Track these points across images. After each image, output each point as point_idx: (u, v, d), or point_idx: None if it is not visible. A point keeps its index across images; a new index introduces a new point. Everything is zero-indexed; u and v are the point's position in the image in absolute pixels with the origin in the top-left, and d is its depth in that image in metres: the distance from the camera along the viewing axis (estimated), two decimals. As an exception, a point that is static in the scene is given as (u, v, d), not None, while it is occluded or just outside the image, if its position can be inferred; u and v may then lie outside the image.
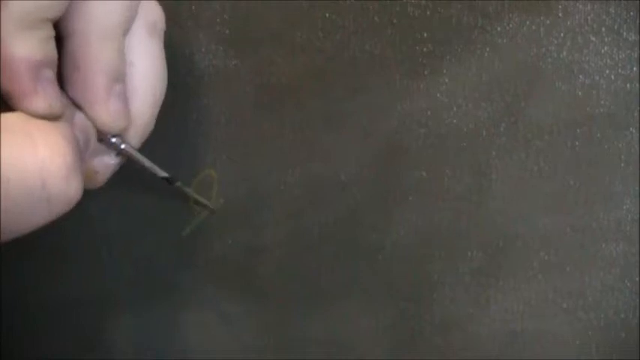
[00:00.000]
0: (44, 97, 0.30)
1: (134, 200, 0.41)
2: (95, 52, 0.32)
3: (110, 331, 0.42)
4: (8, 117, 0.29)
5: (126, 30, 0.33)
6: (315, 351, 0.41)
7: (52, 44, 0.30)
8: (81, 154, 0.32)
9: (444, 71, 0.38)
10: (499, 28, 0.37)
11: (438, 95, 0.38)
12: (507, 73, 0.38)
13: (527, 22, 0.37)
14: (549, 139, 0.38)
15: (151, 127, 0.36)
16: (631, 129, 0.37)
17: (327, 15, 0.38)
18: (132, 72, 0.34)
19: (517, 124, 0.38)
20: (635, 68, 0.37)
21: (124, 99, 0.34)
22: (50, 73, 0.30)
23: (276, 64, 0.39)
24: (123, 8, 0.33)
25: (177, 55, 0.40)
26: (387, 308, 0.41)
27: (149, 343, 0.42)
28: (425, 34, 0.38)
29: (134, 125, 0.35)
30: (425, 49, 0.38)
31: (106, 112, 0.33)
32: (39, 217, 0.29)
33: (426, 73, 0.38)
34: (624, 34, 0.37)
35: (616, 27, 0.37)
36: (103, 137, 0.34)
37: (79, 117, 0.33)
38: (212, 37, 0.39)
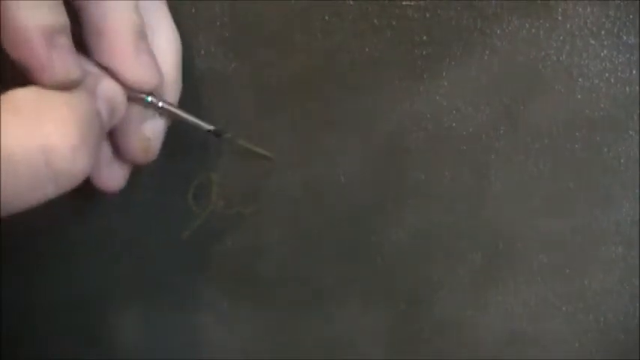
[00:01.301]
0: (61, 65, 0.29)
1: (134, 200, 0.41)
2: (114, 13, 0.32)
3: (110, 331, 0.42)
4: (20, 93, 0.29)
5: None
6: (315, 351, 0.42)
7: (62, 9, 0.30)
8: (101, 126, 0.31)
9: (444, 74, 0.38)
10: (498, 31, 0.37)
11: (438, 97, 0.38)
12: (507, 76, 0.37)
13: (527, 25, 0.37)
14: (549, 141, 0.38)
15: (180, 86, 0.36)
16: (630, 132, 0.37)
17: (327, 17, 0.38)
18: (151, 33, 0.34)
19: (516, 126, 0.38)
20: (634, 71, 0.37)
21: (152, 54, 0.34)
22: (65, 40, 0.30)
23: (275, 65, 0.39)
24: None
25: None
26: (387, 308, 0.41)
27: (149, 343, 0.43)
28: (424, 37, 0.38)
29: (165, 83, 0.35)
30: (424, 52, 0.38)
31: (138, 68, 0.33)
32: (45, 191, 0.29)
33: (425, 75, 0.38)
34: (624, 37, 0.36)
35: (615, 30, 0.36)
36: (138, 98, 0.34)
37: (103, 86, 0.32)
38: (211, 39, 0.39)
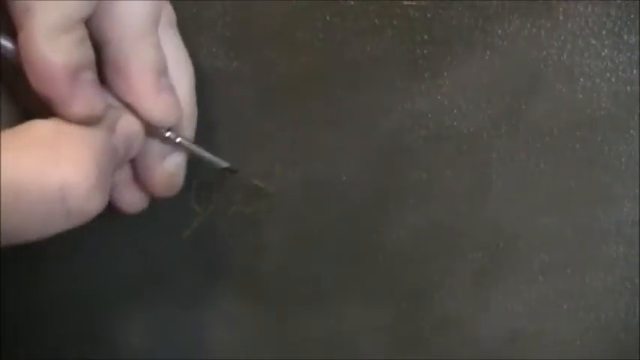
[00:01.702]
0: (84, 100, 0.29)
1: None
2: (136, 53, 0.32)
3: (111, 330, 0.42)
4: (39, 126, 0.29)
5: (158, 23, 0.33)
6: (315, 351, 0.42)
7: (88, 45, 0.30)
8: (117, 163, 0.32)
9: (445, 73, 0.38)
10: (499, 31, 0.37)
11: (439, 97, 0.38)
12: (508, 75, 0.37)
13: (528, 25, 0.37)
14: (550, 140, 0.38)
15: (196, 114, 0.36)
16: (631, 131, 0.37)
17: (328, 16, 0.38)
18: (169, 64, 0.34)
19: (517, 125, 0.38)
20: (635, 71, 0.37)
21: (172, 90, 0.34)
22: (89, 75, 0.30)
23: (277, 65, 0.39)
24: (153, 4, 0.32)
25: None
26: (387, 308, 0.41)
27: (150, 342, 0.42)
28: (425, 36, 0.38)
29: (184, 115, 0.35)
30: (425, 51, 0.38)
31: (159, 106, 0.33)
32: (56, 226, 0.29)
33: (426, 74, 0.38)
34: (625, 36, 0.36)
35: (616, 29, 0.36)
36: (158, 134, 0.34)
37: (123, 122, 0.32)
38: (213, 38, 0.39)
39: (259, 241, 0.41)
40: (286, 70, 0.39)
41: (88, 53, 0.30)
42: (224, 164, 0.38)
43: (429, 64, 0.38)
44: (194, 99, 0.36)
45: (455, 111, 0.38)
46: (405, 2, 0.37)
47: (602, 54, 0.37)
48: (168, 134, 0.34)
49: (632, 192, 0.38)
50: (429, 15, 0.38)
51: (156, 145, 0.35)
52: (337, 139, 0.39)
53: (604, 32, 0.37)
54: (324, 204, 0.40)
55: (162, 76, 0.33)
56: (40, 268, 0.42)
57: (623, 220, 0.38)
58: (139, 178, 0.36)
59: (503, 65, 0.37)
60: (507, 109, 0.38)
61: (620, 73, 0.37)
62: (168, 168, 0.36)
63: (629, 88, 0.37)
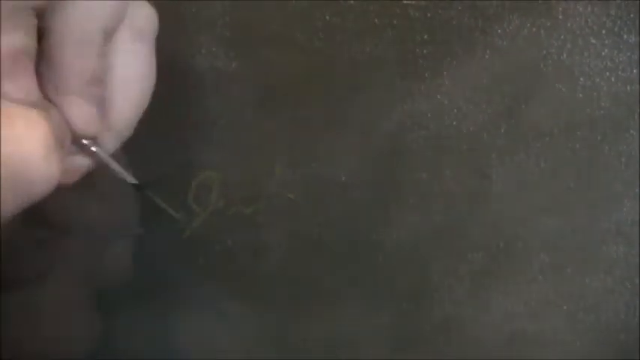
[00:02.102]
0: (22, 85, 0.30)
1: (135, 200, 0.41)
2: (70, 54, 0.31)
3: (110, 330, 0.42)
4: None
5: (109, 35, 0.32)
6: (315, 351, 0.42)
7: (34, 34, 0.30)
8: (62, 140, 0.31)
9: (445, 73, 0.38)
10: (499, 30, 0.37)
11: (439, 97, 0.38)
12: (508, 75, 0.37)
13: (528, 25, 0.37)
14: (549, 140, 0.38)
15: (129, 133, 0.35)
16: (631, 131, 0.37)
17: (328, 17, 0.38)
18: (112, 77, 0.34)
19: (517, 125, 0.38)
20: (635, 70, 0.37)
21: (100, 103, 0.33)
22: (29, 63, 0.30)
23: (276, 65, 0.39)
24: (105, 13, 0.32)
25: (177, 57, 0.40)
26: (387, 308, 0.41)
27: (149, 343, 0.42)
28: (425, 36, 0.38)
29: (111, 130, 0.34)
30: (425, 51, 0.38)
31: (78, 115, 0.32)
32: (18, 198, 0.28)
33: (426, 74, 0.38)
34: (624, 36, 0.36)
35: (616, 29, 0.36)
36: (75, 138, 0.33)
37: (55, 113, 0.32)
38: (212, 38, 0.39)
39: (259, 241, 0.41)
40: (286, 69, 0.39)
41: (33, 42, 0.30)
42: (132, 181, 0.37)
43: (429, 64, 0.38)
44: (133, 119, 0.35)
45: (455, 111, 0.38)
46: (405, 2, 0.37)
47: (602, 53, 0.37)
48: (85, 142, 0.34)
49: (631, 191, 0.38)
50: (428, 15, 0.38)
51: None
52: (337, 139, 0.39)
53: (604, 32, 0.37)
54: (324, 204, 0.40)
55: (92, 86, 0.32)
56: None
57: (622, 220, 0.38)
58: None
59: (503, 65, 0.37)
60: (507, 109, 0.38)
61: (619, 72, 0.37)
62: (68, 165, 0.34)
63: (628, 87, 0.37)
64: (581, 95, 0.37)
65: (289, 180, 0.40)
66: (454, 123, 0.38)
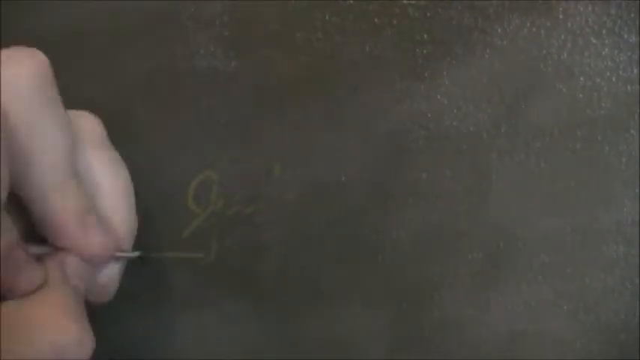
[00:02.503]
0: (26, 278, 0.30)
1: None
2: (53, 205, 0.32)
3: (110, 330, 0.42)
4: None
5: (72, 163, 0.33)
6: (315, 351, 0.41)
7: (10, 225, 0.30)
8: (83, 298, 0.33)
9: (444, 73, 0.38)
10: (499, 30, 0.37)
11: (438, 97, 0.38)
12: (508, 75, 0.37)
13: (528, 24, 0.37)
14: (550, 140, 0.38)
15: (136, 224, 0.37)
16: (631, 131, 0.37)
17: (327, 16, 0.38)
18: (99, 190, 0.35)
19: (517, 125, 0.38)
20: (635, 70, 0.37)
21: (102, 223, 0.34)
22: (21, 254, 0.30)
23: (276, 65, 0.39)
24: (61, 153, 0.32)
25: (176, 57, 0.40)
26: (387, 308, 0.41)
27: (149, 342, 0.42)
28: (425, 36, 0.38)
29: (122, 234, 0.36)
30: (425, 51, 0.38)
31: (90, 246, 0.33)
32: None
33: (426, 74, 0.38)
34: (625, 35, 0.36)
35: (617, 29, 0.36)
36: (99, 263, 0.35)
37: (71, 265, 0.33)
38: (212, 38, 0.39)
39: (259, 241, 0.41)
40: (285, 69, 0.39)
41: (15, 235, 0.30)
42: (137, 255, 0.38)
43: (429, 63, 0.38)
44: (134, 213, 0.37)
45: (454, 110, 0.38)
46: (405, 1, 0.37)
47: (603, 53, 0.37)
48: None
49: (632, 192, 0.37)
50: (428, 14, 0.37)
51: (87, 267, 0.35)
52: (337, 139, 0.39)
53: (604, 31, 0.37)
54: (324, 204, 0.40)
55: (87, 214, 0.33)
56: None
57: (623, 220, 0.38)
58: None
59: (502, 65, 0.37)
60: (507, 109, 0.38)
61: (620, 72, 0.37)
62: (101, 281, 0.36)
63: (629, 87, 0.37)
64: (581, 95, 0.37)
65: (289, 180, 0.40)
66: (454, 123, 0.38)
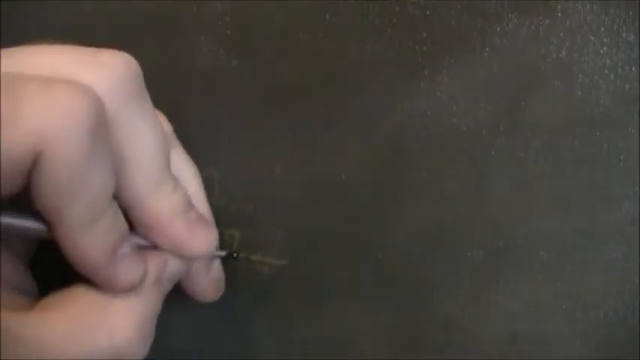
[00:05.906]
0: (124, 275, 0.30)
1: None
2: (159, 206, 0.32)
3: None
4: (83, 294, 0.30)
5: (169, 157, 0.33)
6: (315, 351, 0.41)
7: (120, 218, 0.30)
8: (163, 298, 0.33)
9: (444, 71, 0.38)
10: (498, 29, 0.37)
11: (438, 95, 0.38)
12: (507, 74, 0.38)
13: (527, 23, 0.37)
14: (549, 139, 0.38)
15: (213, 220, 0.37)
16: (630, 129, 0.37)
17: (328, 16, 0.38)
18: (185, 183, 0.35)
19: (516, 124, 0.38)
20: (634, 68, 0.37)
21: (202, 218, 0.34)
22: (126, 247, 0.30)
23: (277, 65, 0.39)
24: (161, 153, 0.32)
25: (178, 57, 0.40)
26: (387, 308, 0.41)
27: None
28: (425, 35, 0.38)
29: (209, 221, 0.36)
30: (425, 50, 0.38)
31: (198, 244, 0.33)
32: None
33: (425, 73, 0.38)
34: (623, 34, 0.37)
35: (615, 27, 0.37)
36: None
37: (169, 268, 0.33)
38: (213, 38, 0.39)
39: (259, 241, 0.41)
40: (286, 69, 0.39)
41: (122, 227, 0.30)
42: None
43: (429, 62, 0.38)
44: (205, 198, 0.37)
45: (454, 109, 0.38)
46: (405, 1, 0.38)
47: (601, 51, 0.37)
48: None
49: (631, 190, 0.37)
50: (428, 13, 0.38)
51: (201, 263, 0.36)
52: (337, 139, 0.40)
53: (603, 30, 0.37)
54: (324, 204, 0.40)
55: (190, 211, 0.33)
56: (42, 268, 0.42)
57: (622, 219, 0.38)
58: (186, 289, 0.37)
59: (502, 63, 0.38)
60: (506, 108, 0.38)
61: (619, 70, 0.37)
62: (214, 275, 0.37)
63: (627, 85, 0.37)
64: (580, 93, 0.37)
65: (289, 179, 0.40)
66: (453, 121, 0.38)
